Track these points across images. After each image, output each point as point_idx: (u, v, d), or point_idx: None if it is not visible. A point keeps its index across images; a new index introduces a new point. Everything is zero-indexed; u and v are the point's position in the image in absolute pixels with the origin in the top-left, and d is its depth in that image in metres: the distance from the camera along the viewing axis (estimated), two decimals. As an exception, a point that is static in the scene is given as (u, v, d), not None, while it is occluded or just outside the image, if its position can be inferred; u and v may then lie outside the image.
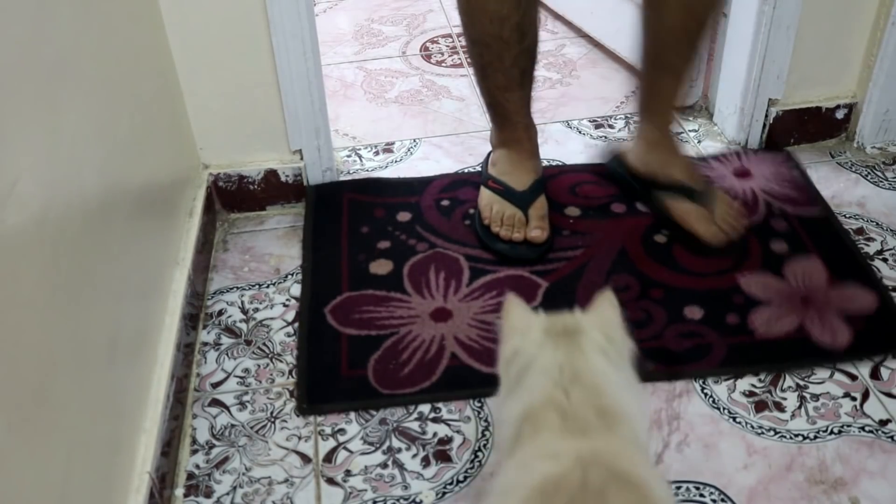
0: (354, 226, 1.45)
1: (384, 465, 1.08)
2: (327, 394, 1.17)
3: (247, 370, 1.22)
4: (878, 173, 1.59)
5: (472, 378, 1.18)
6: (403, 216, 1.48)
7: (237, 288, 1.37)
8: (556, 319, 0.82)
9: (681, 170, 1.44)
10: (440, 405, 1.15)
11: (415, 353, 1.21)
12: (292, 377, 1.21)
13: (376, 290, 1.33)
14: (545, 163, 1.61)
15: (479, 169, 1.61)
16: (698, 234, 1.38)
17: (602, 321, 0.82)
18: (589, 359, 0.77)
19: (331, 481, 1.06)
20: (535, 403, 0.75)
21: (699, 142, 1.68)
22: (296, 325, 1.29)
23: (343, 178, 1.61)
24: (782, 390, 1.16)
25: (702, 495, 1.02)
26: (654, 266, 1.36)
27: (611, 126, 1.75)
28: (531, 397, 0.75)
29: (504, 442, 0.78)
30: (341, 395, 1.16)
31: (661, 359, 1.20)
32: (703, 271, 1.35)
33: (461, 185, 1.55)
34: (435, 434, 1.11)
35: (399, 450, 1.09)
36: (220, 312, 1.32)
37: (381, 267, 1.37)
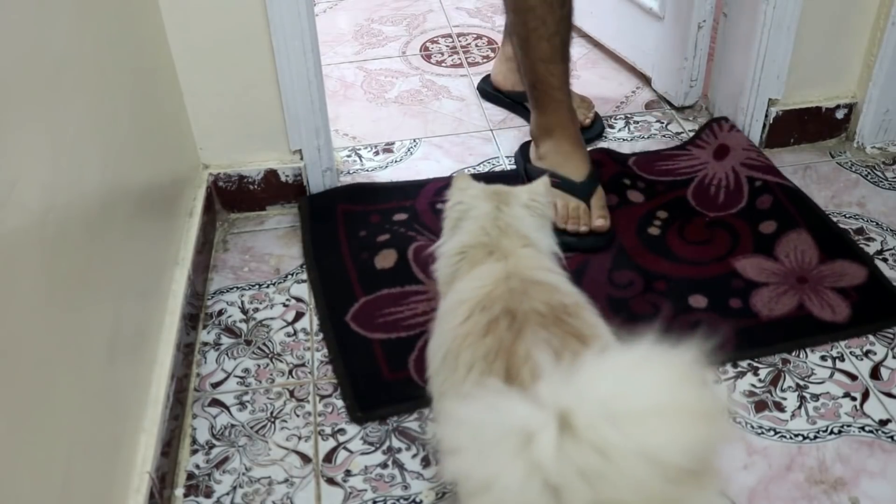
0: (352, 232, 1.44)
1: (384, 465, 1.08)
2: (378, 399, 1.15)
3: (247, 370, 1.22)
4: (878, 173, 1.59)
5: None
6: (400, 217, 1.48)
7: (237, 288, 1.37)
8: (494, 185, 1.03)
9: None
10: (440, 405, 1.15)
11: None
12: (293, 377, 1.21)
13: (390, 287, 1.32)
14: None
15: (479, 169, 1.61)
16: None
17: (530, 189, 1.02)
18: (513, 209, 0.98)
19: (331, 481, 1.06)
20: (469, 242, 0.96)
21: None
22: (297, 324, 1.29)
23: (343, 178, 1.61)
24: (782, 390, 1.16)
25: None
26: (652, 258, 1.38)
27: (611, 126, 1.75)
28: (467, 237, 0.96)
29: (443, 276, 0.97)
30: (393, 398, 1.15)
31: None
32: (699, 259, 1.37)
33: None
34: (435, 434, 1.11)
35: (399, 450, 1.09)
36: (220, 312, 1.32)
37: (385, 259, 1.37)
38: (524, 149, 1.60)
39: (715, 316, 1.26)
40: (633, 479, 0.52)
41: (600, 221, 1.40)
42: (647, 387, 0.55)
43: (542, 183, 1.05)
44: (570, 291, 0.90)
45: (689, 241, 1.41)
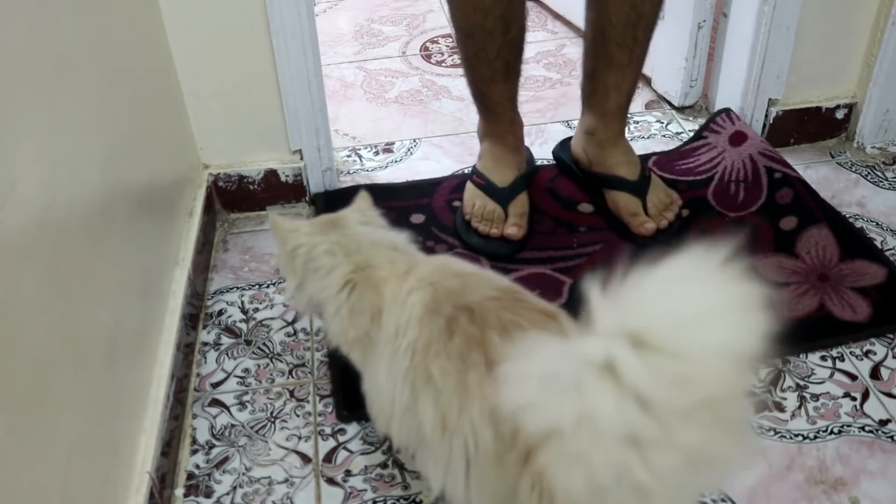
0: None
1: (384, 465, 1.08)
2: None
3: (247, 370, 1.22)
4: (878, 173, 1.59)
5: None
6: (417, 218, 1.48)
7: (237, 288, 1.37)
8: (319, 217, 1.03)
9: (616, 160, 1.44)
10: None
11: None
12: (293, 377, 1.21)
13: None
14: (545, 163, 1.62)
15: (479, 169, 1.61)
16: (627, 224, 1.41)
17: (356, 208, 1.03)
18: (356, 230, 0.98)
19: (331, 481, 1.06)
20: (345, 274, 0.94)
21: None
22: (297, 324, 1.29)
23: (343, 178, 1.61)
24: (782, 390, 1.16)
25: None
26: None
27: (611, 126, 1.75)
28: (338, 272, 0.94)
29: (338, 318, 0.94)
30: None
31: None
32: None
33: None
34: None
35: (399, 450, 1.09)
36: (220, 312, 1.32)
37: None
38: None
39: None
40: (719, 375, 0.57)
41: (513, 229, 1.39)
42: (702, 292, 0.58)
43: (361, 198, 1.05)
44: (497, 275, 0.92)
45: (711, 239, 1.41)
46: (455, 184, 1.56)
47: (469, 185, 1.46)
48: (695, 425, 0.57)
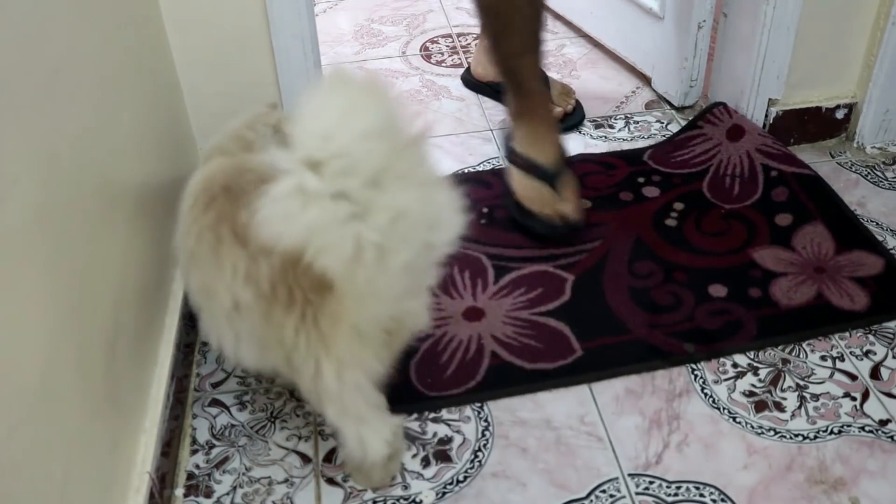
0: None
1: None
2: None
3: (247, 370, 1.22)
4: (878, 173, 1.59)
5: (516, 375, 1.18)
6: None
7: (237, 288, 1.36)
8: (256, 113, 1.16)
9: None
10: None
11: (455, 354, 1.21)
12: (292, 377, 1.20)
13: None
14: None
15: (479, 168, 1.61)
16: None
17: (284, 114, 1.16)
18: (253, 130, 1.11)
19: (331, 481, 1.06)
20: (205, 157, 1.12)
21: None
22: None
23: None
24: (782, 390, 1.16)
25: (702, 495, 1.02)
26: (670, 249, 1.39)
27: (611, 126, 1.75)
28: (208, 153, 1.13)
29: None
30: (388, 400, 1.15)
31: (698, 339, 1.22)
32: (717, 250, 1.39)
33: (468, 184, 1.54)
34: (435, 434, 1.11)
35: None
36: (220, 312, 1.32)
37: None
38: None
39: (734, 305, 1.28)
40: (367, 151, 0.77)
41: (568, 207, 1.41)
42: (338, 105, 0.78)
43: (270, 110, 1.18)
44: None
45: (706, 232, 1.43)
46: (455, 184, 1.55)
47: (513, 169, 1.46)
48: (386, 190, 0.78)
